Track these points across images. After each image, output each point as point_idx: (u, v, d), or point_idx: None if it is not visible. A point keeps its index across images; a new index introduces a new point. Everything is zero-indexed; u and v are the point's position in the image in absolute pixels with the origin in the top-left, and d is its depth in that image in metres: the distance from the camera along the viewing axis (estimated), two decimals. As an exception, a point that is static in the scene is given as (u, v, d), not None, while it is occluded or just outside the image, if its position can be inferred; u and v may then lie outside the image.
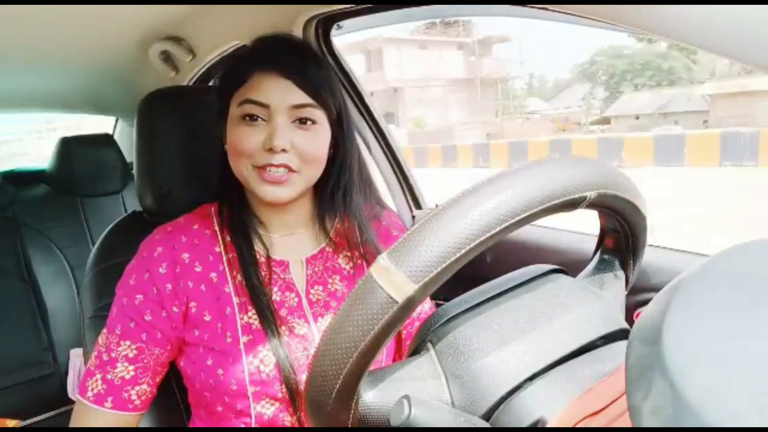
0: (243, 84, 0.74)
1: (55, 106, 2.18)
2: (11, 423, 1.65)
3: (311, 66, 0.75)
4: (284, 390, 0.72)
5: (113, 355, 0.73)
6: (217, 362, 0.73)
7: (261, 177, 0.72)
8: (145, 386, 0.74)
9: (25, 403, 1.72)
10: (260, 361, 0.72)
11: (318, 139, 0.75)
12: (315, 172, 0.76)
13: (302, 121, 0.73)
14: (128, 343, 0.73)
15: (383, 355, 0.80)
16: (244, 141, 0.72)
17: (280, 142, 0.71)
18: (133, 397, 0.73)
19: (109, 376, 0.73)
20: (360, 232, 0.83)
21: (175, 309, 0.74)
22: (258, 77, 0.73)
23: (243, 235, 0.78)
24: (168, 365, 0.78)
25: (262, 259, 0.78)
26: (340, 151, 0.80)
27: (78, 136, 2.00)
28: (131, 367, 0.73)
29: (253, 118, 0.73)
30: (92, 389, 0.73)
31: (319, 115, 0.74)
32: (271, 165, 0.71)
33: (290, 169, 0.73)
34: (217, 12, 1.12)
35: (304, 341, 0.76)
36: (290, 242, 0.81)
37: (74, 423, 0.75)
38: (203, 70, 1.36)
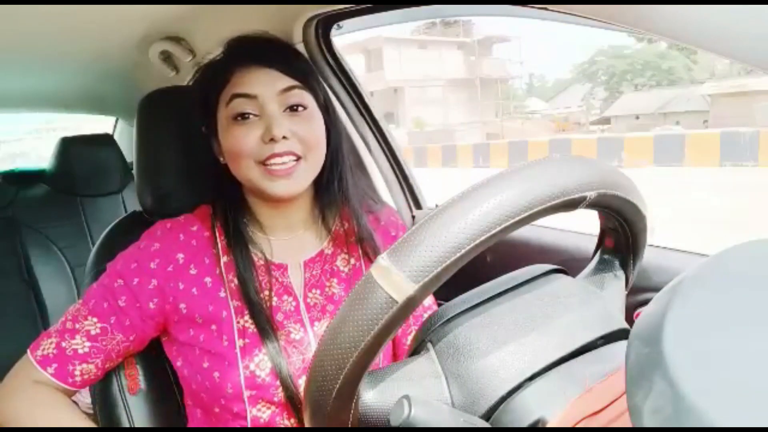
0: (226, 84, 0.73)
1: (55, 106, 2.18)
2: (11, 423, 1.65)
3: (290, 55, 0.77)
4: (280, 394, 0.72)
5: (77, 326, 0.73)
6: (213, 365, 0.72)
7: (268, 173, 0.71)
8: (92, 367, 0.73)
9: (25, 403, 1.72)
10: (256, 366, 0.72)
11: (314, 123, 0.75)
12: (318, 157, 0.76)
13: (294, 108, 0.73)
14: (95, 320, 0.73)
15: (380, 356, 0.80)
16: (241, 140, 0.71)
17: (279, 130, 0.70)
18: (77, 372, 0.73)
19: (63, 344, 0.73)
20: (357, 226, 0.82)
21: (151, 305, 0.74)
22: (240, 73, 0.73)
23: (240, 240, 0.77)
24: (123, 357, 0.77)
25: (261, 263, 0.77)
26: (332, 138, 0.79)
27: (78, 136, 2.00)
28: (88, 344, 0.73)
29: (245, 116, 0.72)
30: (43, 349, 0.73)
31: (308, 98, 0.74)
32: (275, 155, 0.70)
33: (296, 156, 0.72)
34: (217, 12, 1.12)
35: (300, 346, 0.75)
36: (289, 245, 0.80)
37: (12, 376, 0.74)
38: (203, 70, 1.36)
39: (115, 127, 2.39)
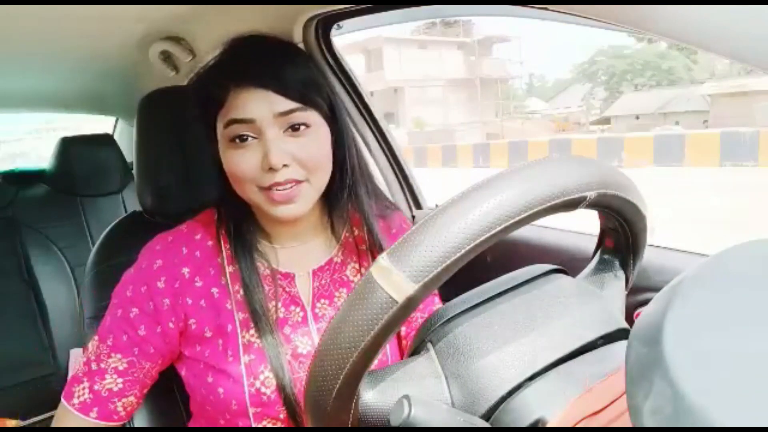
0: (222, 106, 0.69)
1: (55, 106, 2.18)
2: (11, 423, 1.65)
3: (288, 68, 0.70)
4: (286, 412, 0.70)
5: (102, 365, 0.72)
6: (218, 381, 0.71)
7: (271, 198, 0.68)
8: (132, 398, 0.73)
9: (25, 403, 1.72)
10: (261, 383, 0.70)
11: (317, 143, 0.70)
12: (324, 177, 0.72)
13: (295, 128, 0.68)
14: (119, 356, 0.71)
15: (388, 356, 0.79)
16: (240, 166, 0.68)
17: (276, 159, 0.66)
18: (119, 408, 0.72)
19: (96, 387, 0.71)
20: (370, 235, 0.79)
21: (171, 325, 0.72)
22: (235, 94, 0.68)
23: (245, 250, 0.74)
24: (157, 377, 0.76)
25: (267, 272, 0.74)
26: (340, 147, 0.75)
27: (78, 136, 2.00)
28: (120, 380, 0.72)
29: (243, 138, 0.67)
30: (78, 396, 0.72)
31: (310, 116, 0.69)
32: (277, 184, 0.67)
33: (297, 182, 0.68)
34: (217, 12, 1.12)
35: (307, 360, 0.72)
36: (296, 253, 0.78)
37: (56, 425, 0.74)
38: (203, 70, 1.36)
39: (115, 127, 2.39)
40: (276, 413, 0.71)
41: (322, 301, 0.77)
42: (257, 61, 0.70)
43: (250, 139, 0.68)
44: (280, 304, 0.74)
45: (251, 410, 0.70)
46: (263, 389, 0.70)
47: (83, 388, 0.72)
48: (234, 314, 0.72)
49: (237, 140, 0.68)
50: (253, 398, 0.69)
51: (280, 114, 0.67)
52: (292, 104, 0.67)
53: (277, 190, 0.67)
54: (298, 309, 0.75)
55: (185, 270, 0.73)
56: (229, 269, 0.74)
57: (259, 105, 0.67)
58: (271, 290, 0.74)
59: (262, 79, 0.67)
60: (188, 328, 0.72)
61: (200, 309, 0.72)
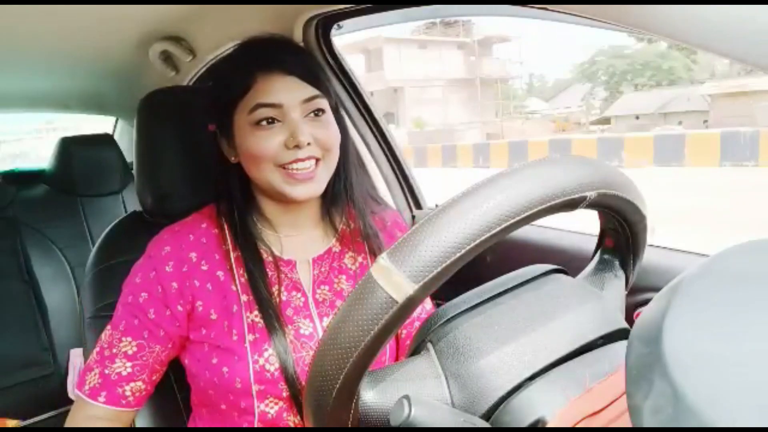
0: (248, 90, 0.73)
1: (55, 106, 2.18)
2: (11, 423, 1.65)
3: (307, 58, 0.77)
4: (288, 390, 0.72)
5: (114, 351, 0.74)
6: (222, 360, 0.73)
7: (290, 177, 0.73)
8: (140, 383, 0.74)
9: (25, 403, 1.72)
10: (265, 360, 0.72)
11: (331, 126, 0.76)
12: (335, 157, 0.77)
13: (315, 113, 0.75)
14: (129, 339, 0.74)
15: (386, 356, 0.80)
16: (264, 145, 0.72)
17: (304, 137, 0.72)
18: (128, 393, 0.74)
19: (106, 371, 0.74)
20: (362, 223, 0.83)
21: (179, 308, 0.74)
22: (263, 80, 0.73)
23: (247, 235, 0.78)
24: (167, 364, 0.78)
25: (269, 259, 0.78)
26: (341, 134, 0.80)
27: (78, 136, 2.00)
28: (129, 364, 0.73)
29: (269, 121, 0.73)
30: (89, 383, 0.74)
31: (325, 103, 0.76)
32: (299, 159, 0.72)
33: (316, 159, 0.74)
34: (217, 12, 1.12)
35: (309, 341, 0.76)
36: (297, 242, 0.82)
37: (69, 416, 0.75)
38: (203, 70, 1.36)
39: (115, 127, 2.38)
40: (278, 392, 0.73)
41: (322, 287, 0.80)
42: (282, 50, 0.76)
43: (275, 121, 0.73)
44: (282, 288, 0.77)
45: (255, 388, 0.72)
46: (267, 366, 0.72)
47: (94, 375, 0.74)
48: (239, 296, 0.75)
49: (264, 122, 0.73)
50: (257, 375, 0.72)
51: (305, 100, 0.74)
52: (314, 91, 0.74)
53: (296, 168, 0.73)
54: (299, 294, 0.79)
55: (192, 255, 0.77)
56: (233, 254, 0.78)
57: (287, 91, 0.73)
58: (273, 275, 0.77)
59: (289, 66, 0.74)
60: (195, 310, 0.75)
61: (207, 291, 0.75)
